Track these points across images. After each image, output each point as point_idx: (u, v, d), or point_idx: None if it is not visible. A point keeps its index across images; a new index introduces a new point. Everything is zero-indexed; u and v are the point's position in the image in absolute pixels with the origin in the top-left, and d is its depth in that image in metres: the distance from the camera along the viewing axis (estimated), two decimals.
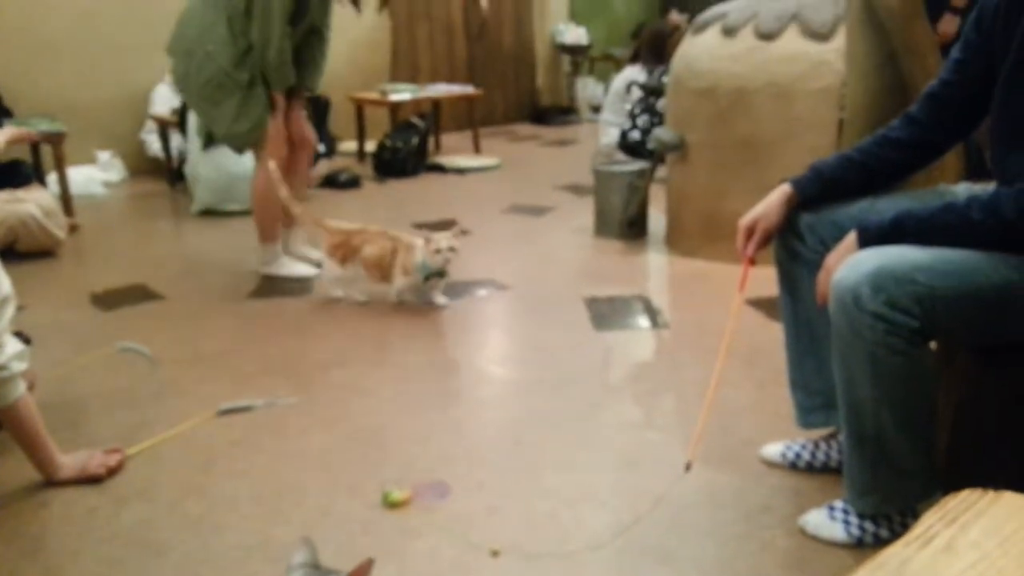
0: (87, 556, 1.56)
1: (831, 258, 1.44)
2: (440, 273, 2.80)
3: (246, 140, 3.15)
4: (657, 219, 3.85)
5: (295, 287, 3.18)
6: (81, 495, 1.76)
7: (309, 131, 3.34)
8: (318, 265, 3.19)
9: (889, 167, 1.60)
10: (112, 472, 1.83)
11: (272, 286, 3.21)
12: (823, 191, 1.61)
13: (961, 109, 1.53)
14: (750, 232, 1.64)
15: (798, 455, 1.80)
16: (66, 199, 4.21)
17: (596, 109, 8.15)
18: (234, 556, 1.55)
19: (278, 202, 3.12)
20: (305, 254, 3.41)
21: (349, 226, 2.95)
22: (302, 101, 3.26)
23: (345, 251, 2.89)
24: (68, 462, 1.81)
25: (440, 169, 5.65)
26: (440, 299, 2.90)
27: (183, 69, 3.09)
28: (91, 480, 1.80)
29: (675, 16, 8.15)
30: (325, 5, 3.15)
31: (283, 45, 2.96)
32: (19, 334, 1.81)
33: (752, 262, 1.66)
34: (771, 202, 1.63)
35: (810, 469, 1.79)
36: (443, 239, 2.72)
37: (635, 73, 5.16)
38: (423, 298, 2.94)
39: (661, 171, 3.78)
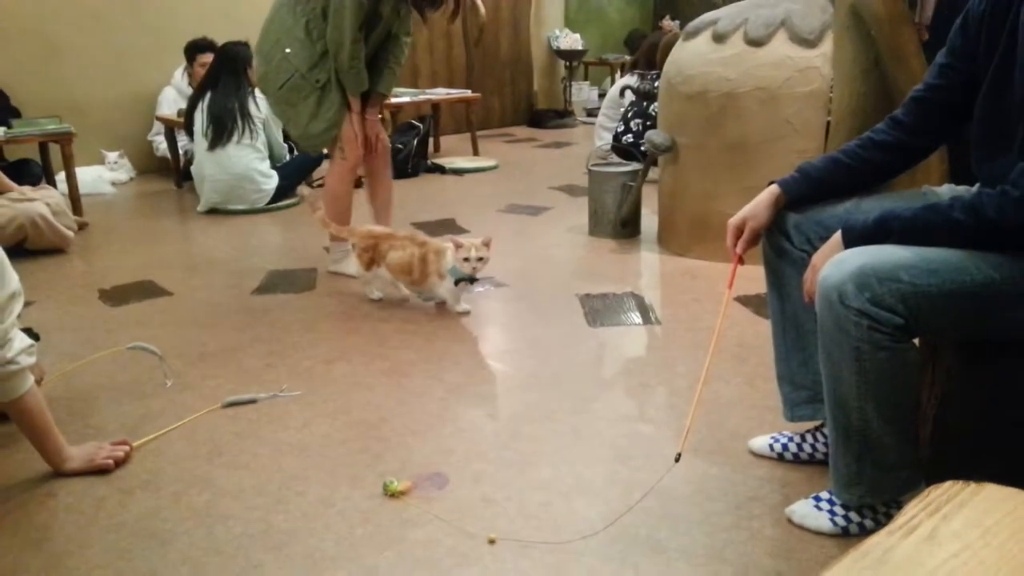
0: (94, 546, 1.59)
1: (818, 257, 1.46)
2: (470, 279, 2.78)
3: (320, 141, 3.17)
4: (649, 219, 3.91)
5: (297, 284, 3.22)
6: (88, 486, 1.79)
7: (384, 133, 3.34)
8: None
9: (874, 169, 1.62)
10: (119, 463, 1.86)
11: (276, 283, 3.26)
12: (810, 192, 1.64)
13: (945, 113, 1.54)
14: (739, 231, 1.67)
15: (785, 447, 1.84)
16: (74, 198, 4.25)
17: (591, 112, 8.20)
18: (238, 545, 1.58)
19: (348, 201, 3.18)
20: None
21: (379, 231, 2.96)
22: (378, 104, 3.26)
23: (372, 255, 2.91)
24: (76, 454, 1.84)
25: (439, 170, 5.70)
26: (463, 306, 2.87)
27: (263, 70, 3.12)
28: (98, 471, 1.83)
29: (667, 22, 8.23)
30: (401, 11, 3.13)
31: (355, 50, 2.96)
32: (28, 330, 1.85)
33: (741, 261, 1.69)
34: (759, 202, 1.66)
35: (796, 461, 1.82)
36: (472, 249, 2.69)
37: (631, 80, 5.22)
38: (424, 296, 2.99)
39: (653, 173, 3.83)
